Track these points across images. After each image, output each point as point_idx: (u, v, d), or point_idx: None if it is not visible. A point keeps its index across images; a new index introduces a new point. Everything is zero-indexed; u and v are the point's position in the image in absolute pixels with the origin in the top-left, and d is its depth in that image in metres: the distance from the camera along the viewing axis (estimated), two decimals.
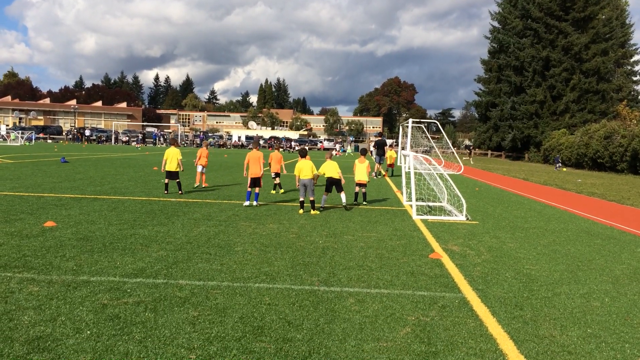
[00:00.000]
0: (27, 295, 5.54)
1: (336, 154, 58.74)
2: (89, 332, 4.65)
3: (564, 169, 46.45)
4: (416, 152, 21.19)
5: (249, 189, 13.03)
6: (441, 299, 6.09)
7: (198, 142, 77.89)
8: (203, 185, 17.02)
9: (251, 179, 12.98)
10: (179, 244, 8.38)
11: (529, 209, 15.26)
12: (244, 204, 13.07)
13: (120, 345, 4.39)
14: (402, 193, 16.00)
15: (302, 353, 4.42)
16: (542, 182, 27.65)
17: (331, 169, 13.22)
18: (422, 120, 25.23)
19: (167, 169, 14.90)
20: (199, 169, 17.07)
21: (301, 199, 12.66)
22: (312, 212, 12.28)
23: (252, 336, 4.73)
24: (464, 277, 7.11)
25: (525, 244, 9.77)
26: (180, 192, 14.95)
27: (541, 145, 61.82)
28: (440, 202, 14.45)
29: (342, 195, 13.33)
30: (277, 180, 16.58)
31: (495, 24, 75.00)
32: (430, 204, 14.33)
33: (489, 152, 76.13)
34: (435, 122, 38.37)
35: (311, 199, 12.43)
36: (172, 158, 14.90)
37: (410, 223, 11.59)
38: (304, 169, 12.47)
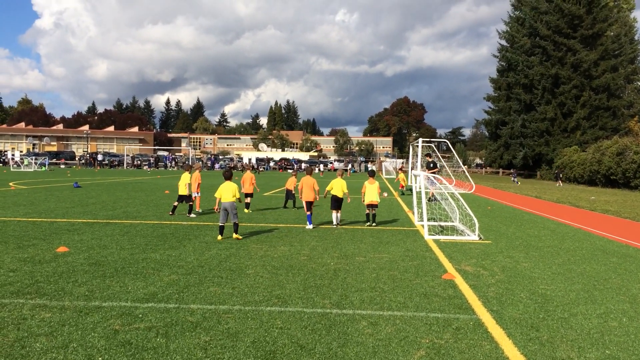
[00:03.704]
0: (39, 322, 5.53)
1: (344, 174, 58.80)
2: (100, 358, 4.63)
3: (561, 184, 47.40)
4: (427, 171, 21.14)
5: (308, 213, 13.60)
6: (455, 320, 6.01)
7: (209, 165, 78.35)
8: (197, 210, 16.67)
9: (306, 202, 13.78)
10: (191, 267, 8.36)
11: (542, 227, 15.11)
12: (307, 227, 13.36)
13: None
14: (413, 213, 15.92)
15: None
16: (555, 199, 27.40)
17: (337, 187, 13.79)
18: (432, 139, 25.21)
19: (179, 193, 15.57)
20: (196, 194, 16.89)
21: (220, 224, 11.34)
22: (234, 236, 11.21)
23: None
24: (478, 298, 7.02)
25: (539, 263, 9.65)
26: (188, 214, 15.28)
27: (553, 163, 61.44)
28: (452, 221, 14.35)
29: (338, 214, 13.92)
30: (248, 200, 17.38)
31: (504, 42, 75.28)
32: (442, 223, 14.22)
33: (500, 170, 75.76)
34: (445, 141, 38.31)
35: (234, 221, 11.26)
36: (180, 182, 15.56)
37: (422, 243, 11.51)
38: (225, 191, 11.30)
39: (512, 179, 53.34)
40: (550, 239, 12.70)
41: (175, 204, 15.54)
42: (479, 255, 10.19)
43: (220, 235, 11.29)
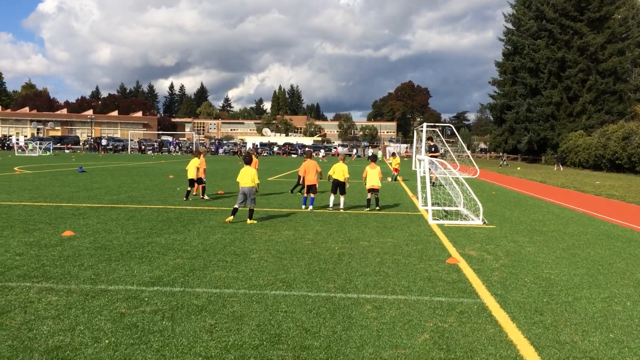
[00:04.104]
0: (46, 305, 5.58)
1: (336, 158, 58.77)
2: (107, 341, 4.67)
3: (562, 168, 47.99)
4: (433, 156, 21.07)
5: (305, 195, 14.16)
6: (459, 304, 6.03)
7: (213, 149, 78.37)
8: (201, 197, 16.69)
9: (307, 186, 14.05)
10: (195, 251, 8.40)
11: (546, 212, 15.09)
12: (302, 207, 14.01)
13: (139, 354, 4.40)
14: (417, 198, 15.91)
15: None
16: (559, 184, 27.34)
17: (339, 171, 13.96)
18: (436, 124, 25.08)
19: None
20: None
21: (236, 206, 11.44)
22: (249, 221, 11.31)
23: (269, 344, 4.71)
24: (482, 282, 7.03)
25: (544, 247, 9.65)
26: (202, 197, 15.64)
27: (558, 147, 61.19)
28: (457, 206, 14.34)
29: (342, 199, 14.08)
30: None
31: (510, 25, 74.60)
32: (446, 208, 14.22)
33: (505, 155, 75.53)
34: (450, 126, 38.16)
35: (251, 207, 11.43)
36: (189, 167, 15.63)
37: (426, 228, 11.52)
38: (244, 176, 11.38)
39: (502, 161, 56.16)
40: (555, 224, 12.69)
41: (188, 189, 15.53)
42: (483, 240, 10.20)
43: (232, 216, 11.38)
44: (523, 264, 8.20)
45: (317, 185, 14.21)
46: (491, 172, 39.68)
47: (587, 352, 4.77)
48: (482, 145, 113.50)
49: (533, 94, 68.50)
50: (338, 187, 13.97)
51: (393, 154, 38.69)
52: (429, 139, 24.64)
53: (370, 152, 77.30)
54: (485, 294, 6.48)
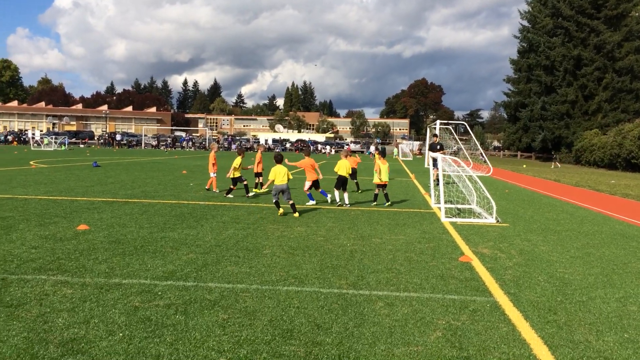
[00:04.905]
0: (61, 298, 5.65)
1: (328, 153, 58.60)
2: (121, 334, 4.71)
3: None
4: (444, 153, 20.97)
5: (308, 192, 14.28)
6: (472, 302, 6.00)
7: (226, 145, 78.64)
8: (214, 190, 16.68)
9: (313, 181, 14.14)
10: (208, 247, 8.45)
11: (561, 211, 14.96)
12: (309, 203, 14.19)
13: (152, 348, 4.44)
14: (430, 195, 15.86)
15: (332, 357, 4.40)
16: (573, 183, 27.09)
17: (343, 167, 14.08)
18: (450, 121, 24.88)
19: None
20: (212, 174, 16.93)
21: (275, 200, 12.16)
22: (296, 214, 11.94)
23: (281, 339, 4.73)
24: (495, 280, 7.00)
25: (557, 246, 9.57)
26: (247, 195, 15.60)
27: (573, 146, 60.63)
28: (469, 204, 14.27)
29: (346, 195, 14.12)
30: (259, 180, 17.46)
31: (525, 23, 74.01)
32: (459, 206, 14.15)
33: (519, 153, 74.97)
34: (463, 124, 37.94)
35: (290, 202, 12.10)
36: (235, 164, 15.54)
37: (439, 225, 11.47)
38: (278, 174, 12.10)
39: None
40: (569, 223, 12.58)
41: (232, 187, 15.31)
42: (496, 238, 10.14)
43: (281, 209, 12.00)
44: (537, 263, 8.14)
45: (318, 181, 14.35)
46: (504, 170, 39.40)
47: (601, 352, 4.73)
48: (496, 144, 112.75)
49: (548, 92, 67.93)
50: (343, 182, 14.00)
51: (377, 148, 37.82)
52: (434, 135, 24.43)
53: (374, 147, 76.96)
54: (498, 292, 6.45)
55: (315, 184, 14.16)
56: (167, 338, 4.66)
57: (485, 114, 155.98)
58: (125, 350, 4.37)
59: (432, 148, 23.17)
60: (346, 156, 14.61)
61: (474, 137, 34.70)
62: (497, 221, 12.12)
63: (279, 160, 12.47)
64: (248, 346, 4.55)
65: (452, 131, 34.70)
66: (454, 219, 12.24)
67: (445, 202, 13.13)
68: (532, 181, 28.20)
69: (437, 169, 18.82)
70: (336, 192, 14.18)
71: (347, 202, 14.07)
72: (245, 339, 4.71)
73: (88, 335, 4.65)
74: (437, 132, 30.82)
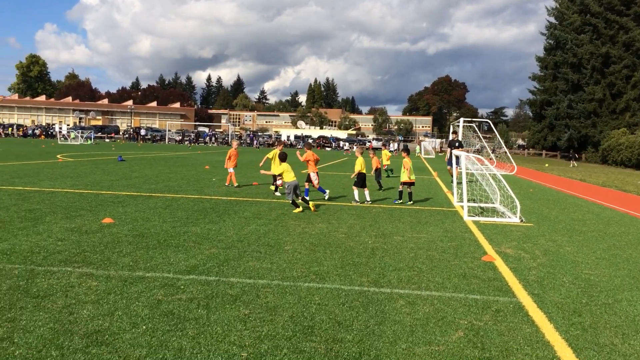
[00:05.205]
0: (86, 290, 5.74)
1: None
2: (144, 327, 4.77)
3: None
4: (467, 151, 20.76)
5: (307, 187, 14.32)
6: (495, 303, 5.93)
7: (248, 141, 79.02)
8: (234, 185, 16.72)
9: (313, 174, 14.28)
10: (230, 242, 8.50)
11: (586, 211, 14.71)
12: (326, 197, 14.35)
13: (175, 341, 4.49)
14: (452, 193, 15.72)
15: (353, 354, 4.39)
16: (600, 183, 26.61)
17: (362, 165, 14.05)
18: (473, 119, 24.56)
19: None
20: (231, 170, 17.04)
21: (292, 200, 12.25)
22: (313, 208, 12.14)
23: (302, 336, 4.74)
24: (519, 281, 6.91)
25: (583, 247, 9.41)
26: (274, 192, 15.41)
27: (599, 145, 59.51)
28: (493, 203, 14.11)
29: (367, 192, 14.11)
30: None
31: (552, 19, 72.77)
32: (482, 205, 14.00)
33: (544, 152, 73.88)
34: (487, 121, 37.50)
35: (307, 197, 12.65)
36: (272, 155, 15.60)
37: (462, 224, 11.37)
38: (288, 172, 12.36)
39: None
40: (595, 223, 12.36)
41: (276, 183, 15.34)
42: (520, 238, 10.01)
43: (311, 203, 12.32)
44: (561, 264, 8.01)
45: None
46: (529, 169, 38.87)
47: (627, 356, 4.64)
48: (520, 142, 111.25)
49: (575, 89, 66.78)
50: (362, 180, 13.97)
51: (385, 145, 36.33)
52: (453, 133, 24.12)
53: (394, 145, 76.35)
54: (522, 293, 6.37)
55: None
56: (190, 332, 4.70)
57: (510, 112, 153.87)
58: (149, 343, 4.42)
59: (451, 145, 22.95)
60: (361, 153, 14.56)
61: (498, 135, 34.24)
62: (521, 221, 11.97)
63: (283, 159, 12.76)
64: (269, 342, 4.57)
65: (476, 129, 34.32)
66: (476, 218, 12.11)
67: (468, 201, 13.00)
68: (557, 180, 27.76)
69: (457, 166, 18.69)
70: (356, 191, 14.13)
71: (368, 198, 14.05)
72: (266, 334, 4.73)
73: (112, 327, 4.71)
74: (459, 129, 30.51)
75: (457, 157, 21.98)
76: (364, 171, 14.00)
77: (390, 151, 71.86)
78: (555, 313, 5.68)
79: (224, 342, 4.52)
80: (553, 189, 21.91)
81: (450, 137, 23.61)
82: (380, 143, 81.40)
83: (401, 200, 14.34)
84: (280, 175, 13.09)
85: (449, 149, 22.99)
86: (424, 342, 4.73)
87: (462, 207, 12.79)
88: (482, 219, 12.02)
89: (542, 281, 6.96)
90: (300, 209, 12.05)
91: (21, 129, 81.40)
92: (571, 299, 6.24)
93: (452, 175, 17.21)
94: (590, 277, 7.32)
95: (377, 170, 17.93)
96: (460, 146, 23.47)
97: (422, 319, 5.31)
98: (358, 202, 13.91)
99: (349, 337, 4.74)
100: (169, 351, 4.29)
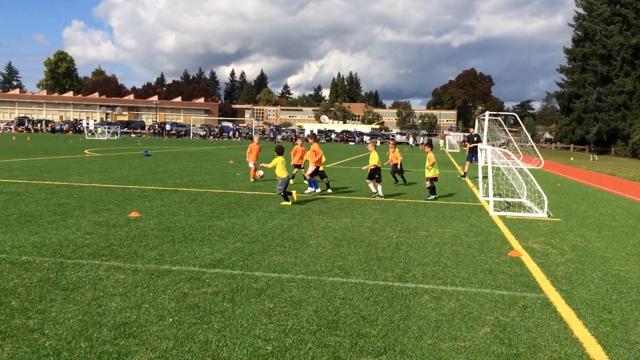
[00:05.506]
0: (114, 283, 5.83)
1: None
2: (171, 319, 4.83)
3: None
4: (493, 145, 20.49)
5: (312, 178, 14.55)
6: (522, 299, 5.85)
7: (272, 136, 79.31)
8: (258, 177, 16.63)
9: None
10: (254, 236, 8.54)
11: (616, 206, 14.40)
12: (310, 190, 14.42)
13: (201, 334, 4.53)
14: (477, 188, 15.54)
15: (377, 349, 4.38)
16: (630, 177, 26.02)
17: (374, 159, 13.93)
18: (499, 112, 24.17)
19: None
20: (251, 164, 17.02)
21: (283, 193, 12.15)
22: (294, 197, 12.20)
23: (327, 330, 4.74)
24: (547, 276, 6.80)
25: (613, 243, 9.22)
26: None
27: (629, 139, 58.16)
28: (519, 198, 13.91)
29: (379, 187, 13.95)
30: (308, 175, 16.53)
31: (581, 10, 71.26)
32: (509, 199, 13.81)
33: (572, 145, 72.55)
34: (513, 115, 36.94)
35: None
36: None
37: (487, 219, 11.23)
38: (280, 165, 12.11)
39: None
40: (625, 218, 12.09)
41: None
42: (547, 233, 9.85)
43: (289, 201, 12.13)
44: (590, 260, 7.86)
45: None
46: (556, 163, 38.23)
47: None
48: (547, 136, 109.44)
49: (604, 82, 65.36)
50: (374, 173, 13.86)
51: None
52: (471, 127, 23.81)
53: (413, 139, 75.47)
54: (550, 289, 6.26)
55: (316, 172, 14.52)
56: (215, 325, 4.74)
57: (537, 105, 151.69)
58: (175, 335, 4.47)
59: (470, 140, 22.74)
60: (374, 146, 14.45)
61: (524, 129, 33.71)
62: (549, 215, 11.77)
63: (280, 152, 12.44)
64: (294, 335, 4.58)
65: (502, 123, 33.84)
66: (503, 213, 11.96)
67: (494, 196, 12.84)
68: (585, 175, 27.25)
69: (475, 161, 18.65)
70: (370, 184, 13.98)
71: (380, 193, 13.84)
72: (291, 328, 4.74)
73: (139, 320, 4.78)
74: (485, 123, 30.16)
75: (473, 153, 21.91)
76: (379, 165, 13.89)
77: (414, 145, 71.63)
78: (584, 309, 5.58)
79: (249, 335, 4.55)
80: (581, 184, 21.51)
81: (485, 131, 23.34)
82: (404, 137, 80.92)
83: (434, 196, 14.00)
84: (301, 166, 13.43)
85: (468, 144, 22.81)
86: (450, 337, 4.69)
87: (487, 201, 12.64)
88: (508, 214, 11.86)
89: (570, 277, 6.83)
90: (290, 202, 12.05)
91: (50, 125, 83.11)
92: (601, 295, 6.12)
93: (468, 170, 17.05)
94: (620, 273, 7.16)
95: (395, 166, 17.79)
96: (479, 140, 23.22)
97: (447, 314, 5.26)
98: (381, 195, 13.80)
99: (374, 332, 4.72)
100: (195, 344, 4.33)
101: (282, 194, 12.08)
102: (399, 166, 17.53)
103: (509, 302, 5.70)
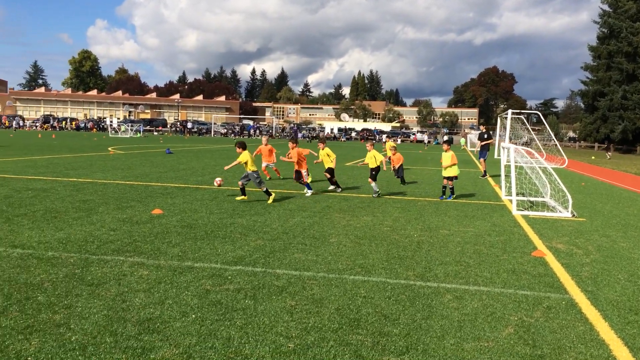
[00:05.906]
0: (137, 279, 5.90)
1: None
2: (194, 315, 4.87)
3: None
4: (515, 144, 20.25)
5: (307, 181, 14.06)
6: (546, 299, 5.77)
7: (292, 134, 79.43)
8: (267, 178, 16.47)
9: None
10: (276, 234, 8.57)
11: None
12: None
13: (223, 330, 4.56)
14: (500, 187, 15.37)
15: (399, 348, 4.36)
16: None
17: (370, 159, 13.91)
18: (522, 111, 23.90)
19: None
20: (263, 165, 16.70)
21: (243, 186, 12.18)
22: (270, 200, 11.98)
23: (348, 328, 4.73)
24: (571, 277, 6.70)
25: (639, 243, 9.04)
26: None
27: None
28: (543, 197, 13.72)
29: (374, 184, 13.70)
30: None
31: (606, 7, 69.88)
32: (532, 199, 13.64)
33: (596, 144, 71.31)
34: (536, 113, 36.46)
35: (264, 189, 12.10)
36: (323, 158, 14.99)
37: (510, 218, 11.11)
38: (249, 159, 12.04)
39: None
40: None
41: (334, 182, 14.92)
42: (571, 233, 9.71)
43: (245, 196, 12.12)
44: (616, 260, 7.72)
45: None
46: (580, 162, 37.63)
47: None
48: (571, 134, 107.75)
49: (630, 80, 64.07)
50: (376, 172, 13.76)
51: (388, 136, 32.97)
52: (481, 125, 23.65)
53: (427, 138, 74.71)
54: (575, 289, 6.17)
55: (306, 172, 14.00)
56: (237, 322, 4.77)
57: (560, 103, 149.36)
58: (198, 332, 4.51)
59: (480, 137, 22.62)
60: (372, 146, 14.27)
61: (547, 127, 33.24)
62: (573, 215, 11.59)
63: (244, 146, 12.12)
64: (315, 333, 4.59)
65: (525, 121, 33.44)
66: (526, 212, 11.82)
67: (517, 195, 12.68)
68: (610, 174, 26.77)
69: (483, 159, 18.65)
70: (373, 184, 13.67)
71: (376, 189, 13.62)
72: (313, 326, 4.75)
73: (163, 316, 4.83)
74: (508, 122, 29.89)
75: (483, 151, 21.77)
76: (378, 164, 13.83)
77: (434, 143, 71.09)
78: (610, 311, 5.48)
79: (271, 332, 4.56)
80: (606, 183, 21.14)
81: (499, 130, 23.13)
82: (424, 135, 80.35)
83: (453, 195, 13.81)
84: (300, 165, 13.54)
85: (479, 142, 22.76)
86: (473, 337, 4.65)
87: (510, 201, 12.50)
88: (531, 213, 11.71)
89: (595, 278, 6.72)
90: (247, 197, 12.07)
91: (74, 122, 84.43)
92: (627, 296, 6.01)
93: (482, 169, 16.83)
94: None
95: (400, 168, 17.77)
96: (490, 138, 23.07)
97: (470, 314, 5.22)
98: (377, 191, 13.65)
99: (396, 331, 4.70)
100: (217, 340, 4.36)
101: (264, 189, 11.99)
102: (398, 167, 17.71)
103: (532, 303, 5.63)
